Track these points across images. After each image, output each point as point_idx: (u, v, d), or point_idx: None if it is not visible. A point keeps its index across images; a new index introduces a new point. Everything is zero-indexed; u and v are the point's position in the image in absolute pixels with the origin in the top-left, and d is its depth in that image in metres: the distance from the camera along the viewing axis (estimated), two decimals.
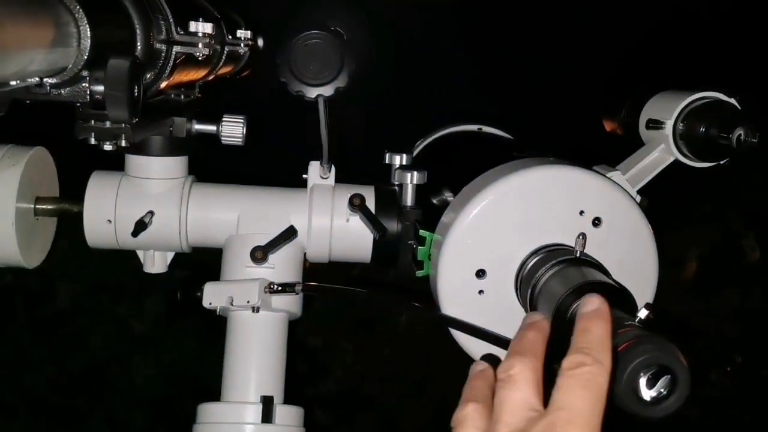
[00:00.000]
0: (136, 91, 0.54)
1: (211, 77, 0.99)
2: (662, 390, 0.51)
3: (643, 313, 0.57)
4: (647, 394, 0.51)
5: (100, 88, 0.53)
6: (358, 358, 2.41)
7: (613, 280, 0.67)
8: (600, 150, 0.93)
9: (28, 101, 0.52)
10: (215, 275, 0.88)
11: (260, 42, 1.22)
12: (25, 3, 0.44)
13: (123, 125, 0.63)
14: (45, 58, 0.46)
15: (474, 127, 1.10)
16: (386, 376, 2.40)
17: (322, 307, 2.32)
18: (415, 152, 1.09)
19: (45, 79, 0.50)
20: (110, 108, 0.53)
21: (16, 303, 2.22)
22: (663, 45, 2.14)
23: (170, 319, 2.21)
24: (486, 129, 1.09)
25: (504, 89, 2.18)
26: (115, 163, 0.91)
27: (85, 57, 0.50)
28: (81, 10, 0.49)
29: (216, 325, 0.88)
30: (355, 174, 0.94)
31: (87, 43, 0.50)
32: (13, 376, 2.22)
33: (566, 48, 2.19)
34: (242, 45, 0.97)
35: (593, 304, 0.53)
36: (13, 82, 0.46)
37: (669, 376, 0.51)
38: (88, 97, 0.53)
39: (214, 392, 0.85)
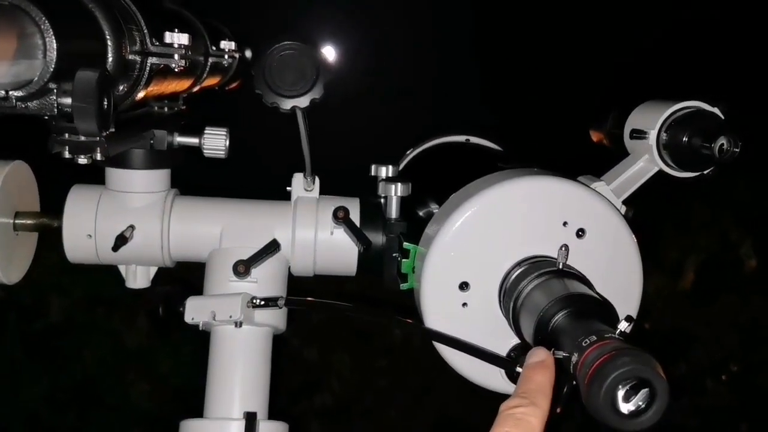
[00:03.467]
0: (105, 103, 0.54)
1: (195, 89, 0.98)
2: (641, 403, 0.50)
3: (623, 326, 0.56)
4: (625, 407, 0.50)
5: (68, 100, 0.52)
6: (354, 370, 2.40)
7: (596, 292, 0.66)
8: (592, 162, 0.92)
9: None
10: (200, 290, 0.87)
11: (248, 54, 1.21)
12: None
13: (98, 138, 0.62)
14: (8, 70, 0.45)
15: (461, 138, 1.09)
16: (383, 387, 2.39)
17: (317, 319, 2.32)
18: (402, 164, 1.08)
19: (10, 92, 0.49)
20: (78, 121, 0.52)
21: (9, 318, 2.21)
22: (651, 55, 2.15)
23: (162, 332, 2.20)
24: (473, 140, 1.08)
25: (494, 100, 2.18)
26: (99, 177, 0.90)
27: (51, 69, 0.49)
28: (46, 21, 0.48)
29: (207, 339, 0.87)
30: (344, 187, 0.94)
31: (53, 55, 0.49)
32: (6, 392, 2.21)
33: (555, 59, 2.20)
34: (226, 56, 0.97)
35: (539, 356, 0.57)
36: None
37: (647, 389, 0.50)
38: (56, 110, 0.52)
39: None
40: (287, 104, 0.68)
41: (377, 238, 0.87)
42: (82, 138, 0.62)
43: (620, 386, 0.50)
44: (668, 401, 0.49)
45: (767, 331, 2.35)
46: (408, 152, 1.12)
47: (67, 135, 0.61)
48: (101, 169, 0.89)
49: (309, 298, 0.81)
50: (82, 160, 0.65)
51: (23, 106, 0.51)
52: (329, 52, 2.24)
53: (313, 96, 0.67)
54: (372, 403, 2.39)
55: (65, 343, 2.24)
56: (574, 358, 0.55)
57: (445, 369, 0.79)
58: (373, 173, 0.92)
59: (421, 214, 0.89)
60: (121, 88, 0.63)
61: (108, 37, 0.57)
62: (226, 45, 0.98)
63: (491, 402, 0.57)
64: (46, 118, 0.53)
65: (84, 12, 0.55)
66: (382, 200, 0.89)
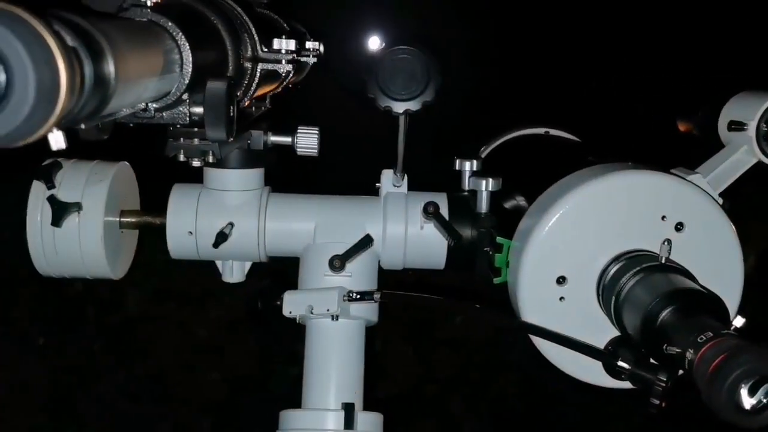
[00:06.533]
0: (232, 111, 0.56)
1: (280, 89, 1.00)
2: (762, 399, 0.51)
3: (738, 322, 0.57)
4: (748, 403, 0.51)
5: (200, 110, 0.54)
6: (417, 360, 2.41)
7: (702, 286, 0.66)
8: (656, 151, 0.91)
9: (131, 124, 0.54)
10: (291, 284, 0.89)
11: (321, 49, 1.23)
12: (139, 35, 0.45)
13: (211, 142, 0.65)
14: (156, 85, 0.48)
15: (540, 131, 1.09)
16: (445, 378, 2.40)
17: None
18: (482, 157, 1.09)
19: (149, 104, 0.52)
20: (209, 129, 0.55)
21: (87, 311, 2.28)
22: (735, 45, 2.11)
23: (232, 325, 2.24)
24: (553, 132, 1.08)
25: (570, 91, 2.17)
26: (187, 176, 0.92)
27: (187, 81, 0.52)
28: (183, 37, 0.50)
29: (274, 329, 0.89)
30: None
31: (189, 68, 0.51)
32: (85, 383, 2.27)
33: (633, 50, 2.16)
34: (312, 56, 0.98)
35: None
36: (124, 110, 0.47)
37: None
38: (188, 119, 0.55)
39: (276, 397, 0.85)
40: (400, 107, 0.69)
41: (466, 232, 0.88)
42: (196, 142, 0.64)
43: (742, 384, 0.50)
44: None
45: None
46: (486, 145, 1.12)
47: (182, 140, 0.64)
48: (176, 167, 0.91)
49: (404, 292, 0.82)
50: (196, 163, 0.68)
51: (159, 116, 0.54)
52: (374, 42, 2.23)
53: (425, 99, 0.69)
54: (435, 393, 2.40)
55: (140, 335, 2.30)
56: (689, 354, 0.55)
57: (507, 359, 0.80)
58: (456, 167, 0.93)
59: (507, 207, 0.90)
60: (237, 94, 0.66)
61: (228, 46, 0.60)
62: (311, 45, 1.00)
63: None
64: (179, 126, 0.56)
65: (208, 25, 0.58)
66: (469, 194, 0.90)
